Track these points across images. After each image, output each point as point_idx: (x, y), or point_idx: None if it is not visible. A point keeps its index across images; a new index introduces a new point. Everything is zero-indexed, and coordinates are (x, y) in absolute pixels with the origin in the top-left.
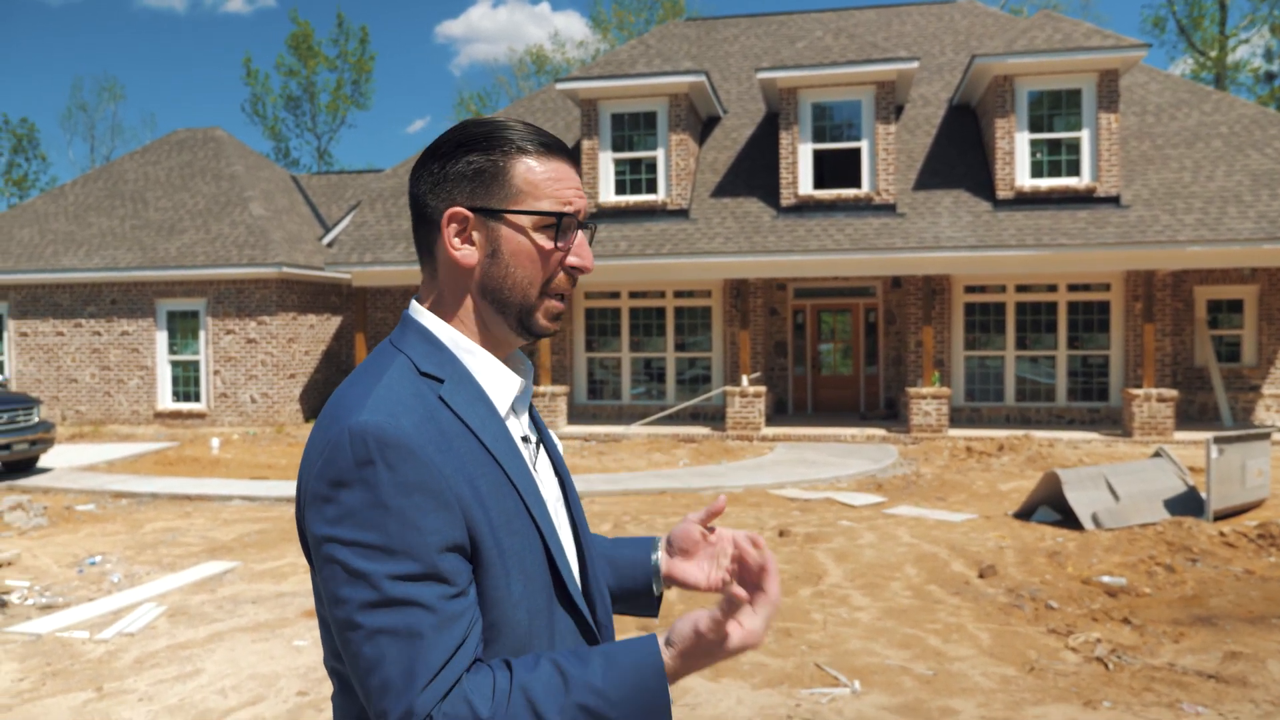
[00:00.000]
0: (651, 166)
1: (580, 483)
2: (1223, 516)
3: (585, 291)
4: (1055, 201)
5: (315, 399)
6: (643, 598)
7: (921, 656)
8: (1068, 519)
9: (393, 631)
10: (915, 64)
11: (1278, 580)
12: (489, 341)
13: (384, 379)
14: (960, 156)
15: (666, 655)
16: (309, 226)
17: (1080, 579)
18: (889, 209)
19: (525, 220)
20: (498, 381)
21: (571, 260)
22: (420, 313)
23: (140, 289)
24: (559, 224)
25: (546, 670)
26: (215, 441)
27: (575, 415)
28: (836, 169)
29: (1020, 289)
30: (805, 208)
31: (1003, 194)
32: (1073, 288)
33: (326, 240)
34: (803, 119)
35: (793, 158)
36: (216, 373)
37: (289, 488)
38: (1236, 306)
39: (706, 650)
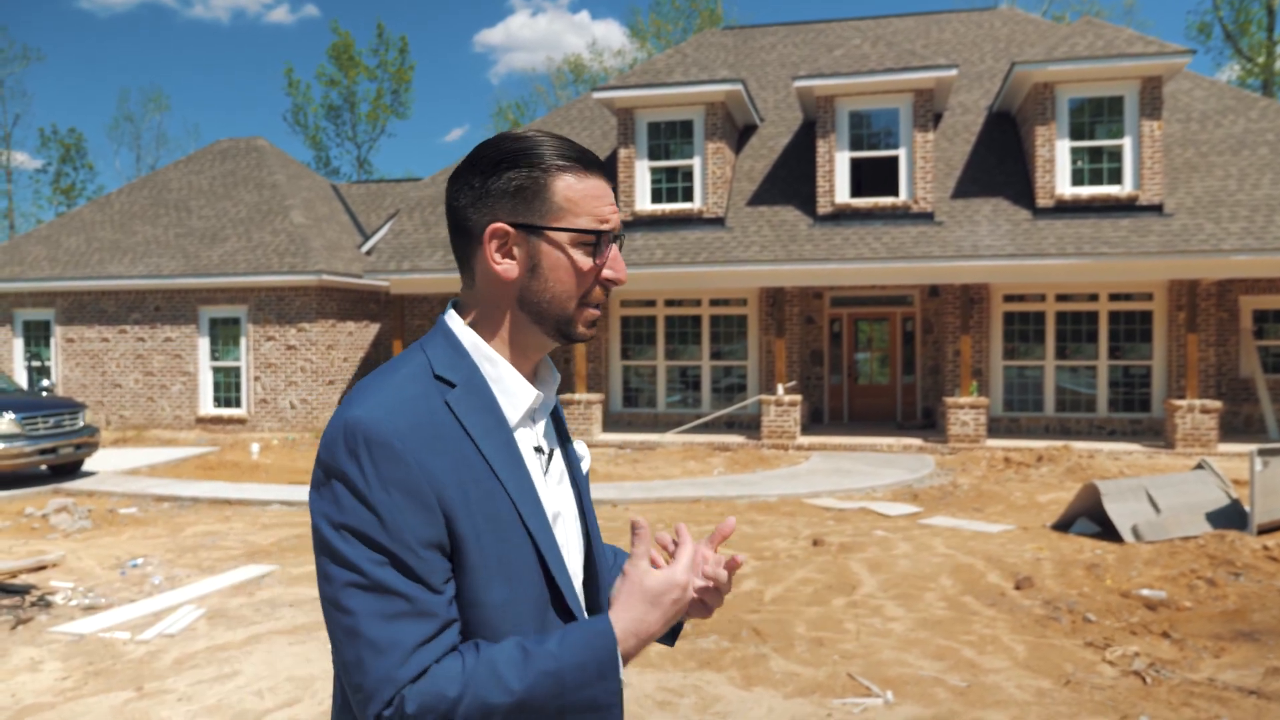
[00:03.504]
0: (688, 175)
1: (614, 490)
2: (1267, 530)
3: (621, 299)
4: (1096, 210)
5: None
6: None
7: (955, 668)
8: (1107, 531)
9: (369, 613)
10: (954, 71)
11: None
12: (518, 350)
13: (396, 377)
14: (999, 164)
15: (611, 617)
16: (348, 235)
17: (1119, 592)
18: (927, 217)
19: (564, 237)
20: (514, 392)
21: (607, 274)
22: (451, 318)
23: (183, 296)
24: (597, 240)
25: (510, 646)
26: (255, 447)
27: (610, 423)
28: (874, 177)
29: (1060, 298)
30: (842, 216)
31: (1043, 202)
32: (1114, 297)
33: (365, 248)
34: (840, 127)
35: (829, 166)
36: (257, 379)
37: None
38: None
39: (637, 595)
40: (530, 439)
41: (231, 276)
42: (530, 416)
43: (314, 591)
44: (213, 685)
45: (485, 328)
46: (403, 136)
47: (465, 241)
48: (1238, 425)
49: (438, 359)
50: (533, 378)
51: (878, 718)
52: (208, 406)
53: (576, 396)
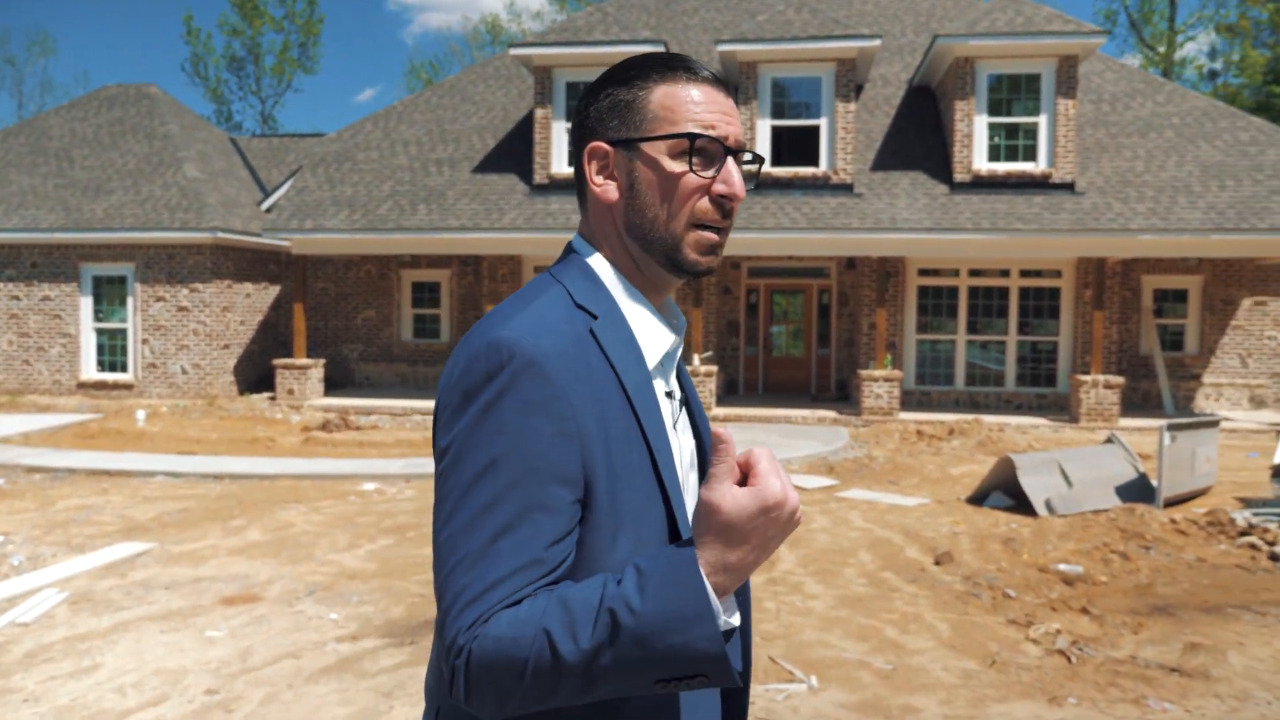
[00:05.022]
0: None
1: None
2: (1173, 503)
3: (535, 266)
4: (1012, 186)
5: (251, 371)
6: None
7: (879, 649)
8: (1021, 504)
9: (474, 556)
10: (877, 42)
11: (1229, 568)
12: (644, 285)
13: (537, 303)
14: (919, 138)
15: (696, 549)
16: (248, 191)
17: (1037, 566)
18: (846, 189)
19: (661, 146)
20: (650, 333)
21: (718, 188)
22: (584, 248)
23: (63, 252)
24: (692, 146)
25: (591, 590)
26: (141, 414)
27: None
28: (794, 147)
29: (973, 273)
30: (762, 185)
31: (960, 177)
32: (1024, 273)
33: (265, 206)
34: (762, 94)
35: (751, 134)
36: (145, 342)
37: (218, 463)
38: (1181, 296)
39: (699, 519)
40: (662, 385)
41: (117, 232)
42: (662, 361)
43: (194, 572)
44: (68, 681)
45: (610, 257)
46: (311, 93)
47: (576, 171)
48: (1137, 401)
49: (577, 289)
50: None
51: (802, 705)
52: (90, 371)
53: None
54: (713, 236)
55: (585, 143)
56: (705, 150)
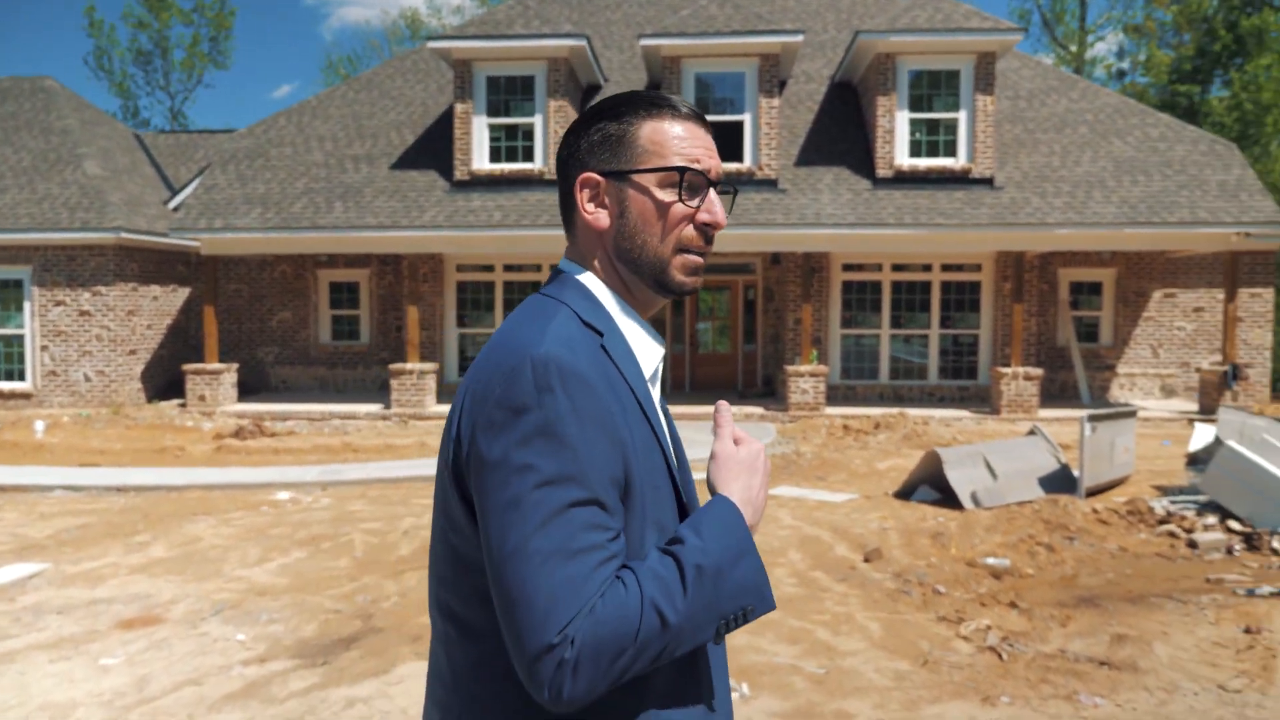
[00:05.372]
0: (529, 134)
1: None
2: (1094, 493)
3: (458, 265)
4: (933, 181)
5: (160, 377)
6: None
7: (811, 652)
8: (947, 498)
9: (557, 556)
10: (800, 37)
11: (1150, 557)
12: (635, 305)
13: (554, 322)
14: (842, 134)
15: (725, 494)
16: (154, 189)
17: (965, 561)
18: (770, 184)
19: (650, 179)
20: (644, 347)
21: (702, 216)
22: (578, 270)
23: None
24: (682, 180)
25: (657, 558)
26: (40, 424)
27: (445, 394)
28: (718, 143)
29: (896, 268)
30: None
31: (882, 172)
32: (946, 268)
33: (173, 205)
34: (685, 90)
35: None
36: (44, 348)
37: (122, 475)
38: (1096, 289)
39: (736, 466)
40: (656, 393)
41: (11, 233)
42: (655, 372)
43: (90, 593)
44: None
45: (603, 279)
46: (225, 89)
47: (565, 197)
48: (1055, 392)
49: (581, 308)
50: None
51: (733, 714)
52: None
53: (409, 366)
54: (697, 259)
55: (576, 173)
56: (692, 183)
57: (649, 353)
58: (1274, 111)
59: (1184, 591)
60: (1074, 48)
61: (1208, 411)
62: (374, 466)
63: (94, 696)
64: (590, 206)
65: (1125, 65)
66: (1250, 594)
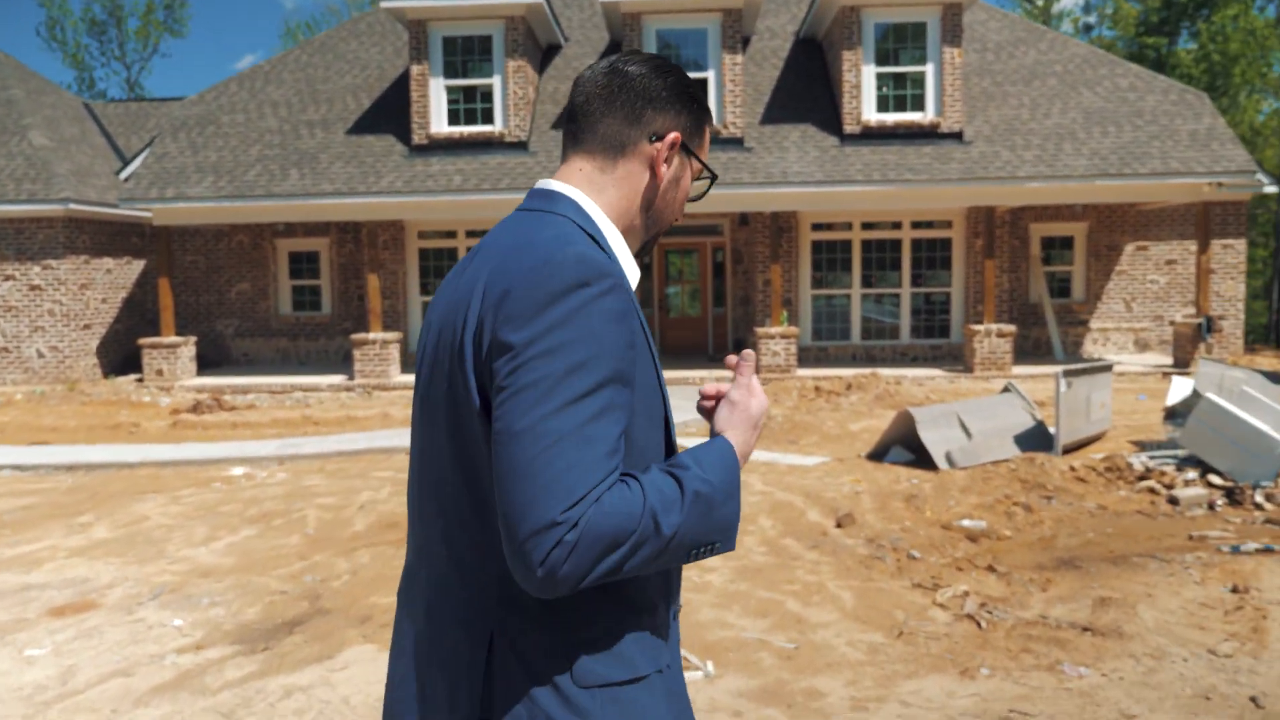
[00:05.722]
0: (488, 95)
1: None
2: (1070, 450)
3: (420, 231)
4: (901, 136)
5: (116, 352)
6: None
7: (781, 625)
8: (921, 458)
9: (570, 439)
10: None
11: (1130, 515)
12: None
13: (566, 231)
14: (807, 90)
15: (729, 439)
16: (104, 159)
17: (940, 524)
18: (737, 143)
19: (698, 168)
20: (630, 268)
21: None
22: (568, 189)
23: None
24: (711, 182)
25: (659, 473)
26: None
27: (409, 364)
28: None
29: (866, 226)
30: None
31: (850, 129)
32: (916, 225)
33: (125, 175)
34: (647, 48)
35: None
36: None
37: (73, 453)
38: (1068, 243)
39: (744, 419)
40: None
41: None
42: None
43: (24, 578)
44: None
45: (606, 210)
46: (184, 59)
47: (633, 124)
48: (1028, 348)
49: (582, 221)
50: None
51: (697, 695)
52: None
53: (372, 336)
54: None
55: (667, 120)
56: (709, 183)
57: (632, 275)
58: (1241, 62)
59: (1167, 550)
60: (1040, 2)
61: (1182, 365)
62: (333, 440)
63: (13, 691)
64: (668, 162)
65: (1092, 19)
66: (1236, 551)
